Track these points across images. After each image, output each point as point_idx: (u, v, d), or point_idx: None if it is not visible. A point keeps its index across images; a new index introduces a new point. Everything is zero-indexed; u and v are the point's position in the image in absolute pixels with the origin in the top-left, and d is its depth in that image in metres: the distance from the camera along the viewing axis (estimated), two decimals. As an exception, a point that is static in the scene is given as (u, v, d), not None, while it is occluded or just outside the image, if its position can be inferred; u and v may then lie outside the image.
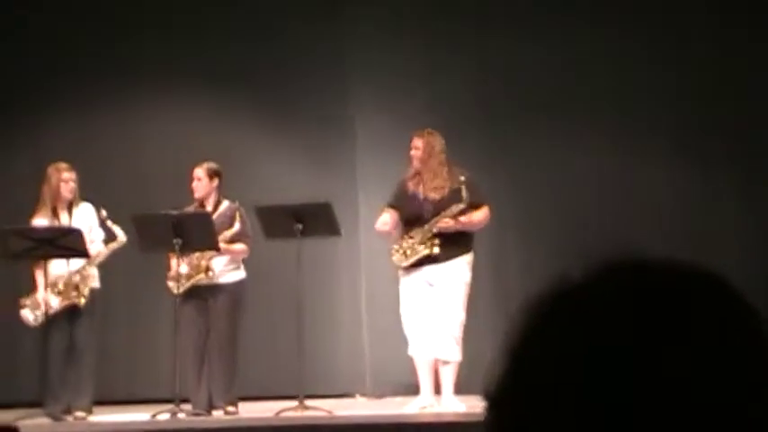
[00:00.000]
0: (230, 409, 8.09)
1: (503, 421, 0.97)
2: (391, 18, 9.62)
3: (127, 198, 9.02)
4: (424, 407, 7.91)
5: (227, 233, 8.15)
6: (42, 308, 8.08)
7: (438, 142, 8.05)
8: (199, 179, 8.30)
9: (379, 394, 9.12)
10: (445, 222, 7.83)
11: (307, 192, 8.89)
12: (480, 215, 7.97)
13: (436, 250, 7.81)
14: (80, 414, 8.05)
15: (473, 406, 7.28)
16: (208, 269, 8.12)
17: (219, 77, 9.76)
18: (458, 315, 7.85)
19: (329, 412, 7.88)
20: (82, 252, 8.02)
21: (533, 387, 0.95)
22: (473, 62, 9.51)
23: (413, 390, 8.17)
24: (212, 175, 8.31)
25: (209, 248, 8.05)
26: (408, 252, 7.89)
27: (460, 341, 7.88)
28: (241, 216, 8.23)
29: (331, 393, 8.98)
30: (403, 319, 7.99)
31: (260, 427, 7.40)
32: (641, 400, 0.90)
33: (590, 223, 9.20)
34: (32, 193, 8.49)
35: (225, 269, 8.19)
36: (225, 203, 8.35)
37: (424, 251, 7.83)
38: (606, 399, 0.91)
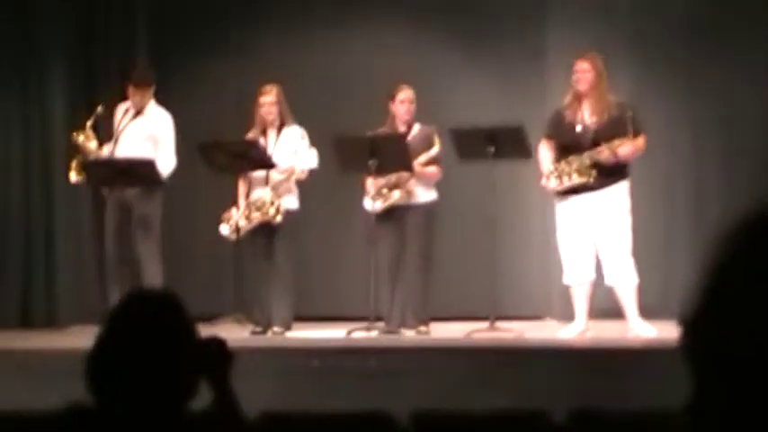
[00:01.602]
0: (422, 328, 8.21)
1: (701, 346, 0.97)
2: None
3: (328, 118, 9.16)
4: (582, 332, 7.87)
5: (425, 155, 8.21)
6: (235, 224, 8.30)
7: (602, 66, 7.84)
8: (411, 102, 8.34)
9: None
10: (606, 157, 7.64)
11: (496, 115, 8.86)
12: (637, 149, 7.73)
13: (593, 180, 7.66)
14: (278, 329, 8.27)
15: (665, 331, 7.19)
16: (408, 191, 8.19)
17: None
18: (626, 239, 7.72)
19: (518, 334, 7.94)
20: (268, 164, 8.19)
21: (732, 312, 0.94)
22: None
23: (601, 313, 8.14)
24: (414, 98, 8.38)
25: (404, 169, 8.13)
26: (565, 177, 7.75)
27: (634, 263, 7.76)
28: (439, 139, 8.29)
29: (522, 315, 9.03)
30: (560, 246, 7.92)
31: (449, 348, 7.50)
32: None
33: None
34: (241, 111, 8.73)
35: (419, 189, 8.27)
36: (416, 126, 8.40)
37: (580, 179, 7.68)
38: None
